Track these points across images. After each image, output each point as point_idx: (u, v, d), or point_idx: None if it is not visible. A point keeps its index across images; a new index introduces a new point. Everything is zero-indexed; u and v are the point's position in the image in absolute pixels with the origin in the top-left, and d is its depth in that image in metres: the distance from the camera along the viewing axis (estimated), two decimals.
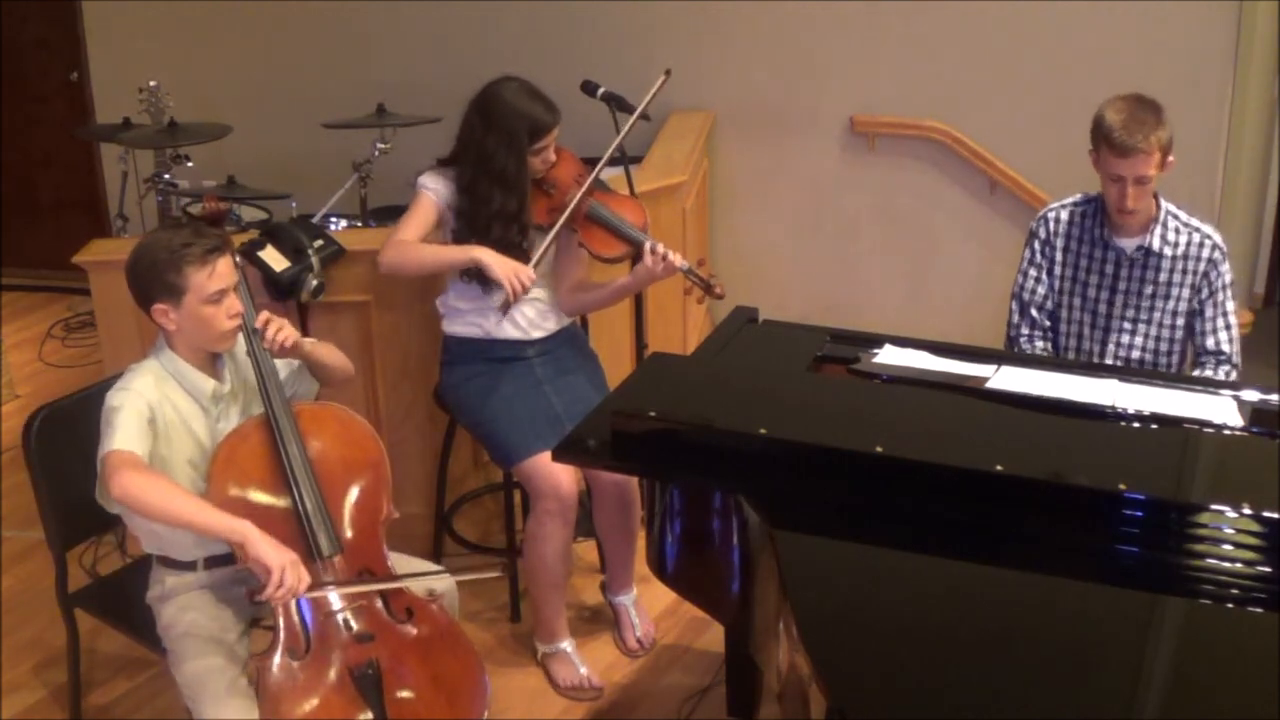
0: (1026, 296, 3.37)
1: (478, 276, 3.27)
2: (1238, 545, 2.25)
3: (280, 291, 3.51)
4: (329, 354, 2.95)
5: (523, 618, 3.65)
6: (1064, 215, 3.33)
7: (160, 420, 2.67)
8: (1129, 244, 3.24)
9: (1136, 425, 2.68)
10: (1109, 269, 3.28)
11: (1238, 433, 2.66)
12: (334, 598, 2.67)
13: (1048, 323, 3.37)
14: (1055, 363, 3.17)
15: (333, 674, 2.61)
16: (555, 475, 3.21)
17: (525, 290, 3.19)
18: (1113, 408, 2.73)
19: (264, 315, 2.78)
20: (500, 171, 3.25)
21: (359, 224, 4.57)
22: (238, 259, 2.78)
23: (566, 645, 3.43)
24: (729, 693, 3.13)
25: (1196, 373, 3.24)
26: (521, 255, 3.29)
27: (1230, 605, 2.18)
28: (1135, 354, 3.29)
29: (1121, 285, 3.27)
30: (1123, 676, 1.99)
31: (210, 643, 2.67)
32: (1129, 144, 3.04)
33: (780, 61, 4.97)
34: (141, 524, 2.74)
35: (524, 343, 3.43)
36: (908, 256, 5.02)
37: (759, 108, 5.04)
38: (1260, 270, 5.83)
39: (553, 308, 3.46)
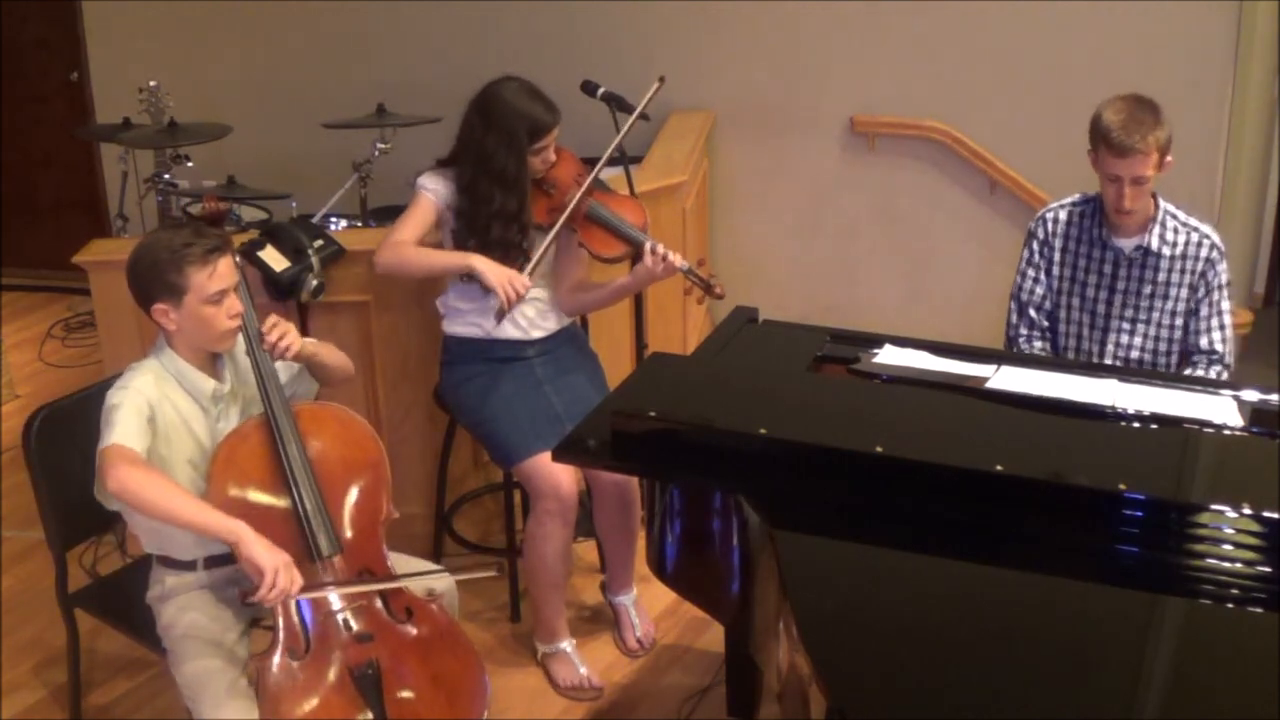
0: (1025, 297, 3.37)
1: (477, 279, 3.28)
2: (1238, 545, 2.25)
3: (280, 291, 3.51)
4: (330, 354, 2.95)
5: (523, 618, 3.65)
6: (1062, 215, 3.33)
7: (160, 420, 2.67)
8: (1127, 244, 3.24)
9: (1136, 425, 2.68)
10: (1107, 269, 3.28)
11: (1238, 433, 2.66)
12: (334, 598, 2.67)
13: (1046, 323, 3.37)
14: (1055, 363, 3.17)
15: (333, 674, 2.61)
16: (555, 475, 3.21)
17: (520, 298, 3.19)
18: (1113, 408, 2.73)
19: (271, 319, 2.78)
20: (500, 171, 3.25)
21: (359, 224, 4.57)
22: (238, 259, 2.78)
23: (566, 645, 3.43)
24: (729, 693, 3.13)
25: (1188, 371, 3.24)
26: (522, 255, 3.29)
27: (1230, 605, 2.18)
28: (1134, 354, 3.29)
29: (1120, 285, 3.27)
30: (1123, 676, 1.99)
31: (210, 643, 2.67)
32: (1127, 144, 3.04)
33: (780, 61, 4.97)
34: (143, 522, 2.74)
35: (524, 343, 3.43)
36: (907, 256, 5.02)
37: (759, 108, 5.03)
38: (1260, 270, 5.83)
39: (553, 307, 3.46)
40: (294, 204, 4.55)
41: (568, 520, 3.27)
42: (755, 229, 5.18)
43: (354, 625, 2.66)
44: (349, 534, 2.76)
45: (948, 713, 1.94)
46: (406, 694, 2.64)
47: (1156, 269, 3.24)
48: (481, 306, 3.34)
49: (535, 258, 3.26)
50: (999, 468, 2.37)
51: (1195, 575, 2.24)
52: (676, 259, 3.23)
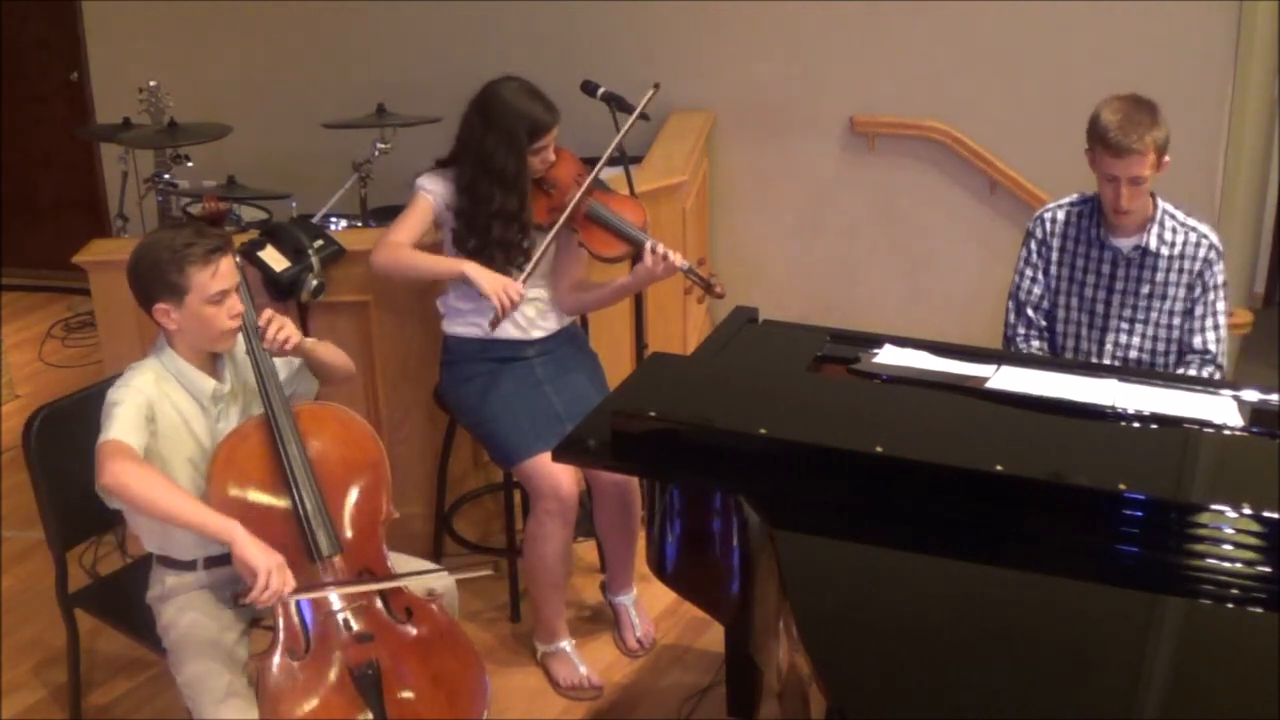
0: (1023, 296, 3.37)
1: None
2: (1238, 545, 2.25)
3: (280, 291, 3.51)
4: (329, 352, 2.95)
5: (523, 618, 3.65)
6: (1060, 215, 3.33)
7: (160, 419, 2.67)
8: (1126, 244, 3.25)
9: (1136, 425, 2.68)
10: (1106, 269, 3.28)
11: (1238, 433, 2.66)
12: (334, 598, 2.67)
13: (1044, 323, 3.37)
14: (1055, 363, 3.17)
15: (333, 674, 2.61)
16: (555, 475, 3.21)
17: (514, 305, 3.19)
18: (1112, 408, 2.73)
19: (267, 314, 2.78)
20: (500, 171, 3.25)
21: (359, 224, 4.57)
22: (238, 259, 2.78)
23: (566, 645, 3.43)
24: (729, 692, 3.13)
25: (1180, 371, 3.24)
26: (522, 254, 3.29)
27: (1230, 605, 2.18)
28: (1133, 353, 3.30)
29: (1118, 285, 3.28)
30: (1123, 676, 1.99)
31: (210, 643, 2.67)
32: (1124, 144, 3.04)
33: (780, 62, 4.97)
34: (144, 522, 2.74)
35: (524, 342, 3.43)
36: (907, 256, 5.02)
37: (759, 108, 5.03)
38: (1260, 270, 5.83)
39: (552, 307, 3.46)
40: (294, 204, 4.55)
41: (568, 520, 3.27)
42: (755, 229, 5.18)
43: (354, 625, 2.66)
44: (349, 534, 2.76)
45: (948, 713, 1.94)
46: (406, 694, 2.64)
47: (1155, 269, 3.24)
48: (481, 306, 3.34)
49: (534, 259, 3.26)
50: (999, 468, 2.37)
51: (1195, 575, 2.24)
52: (677, 258, 3.23)
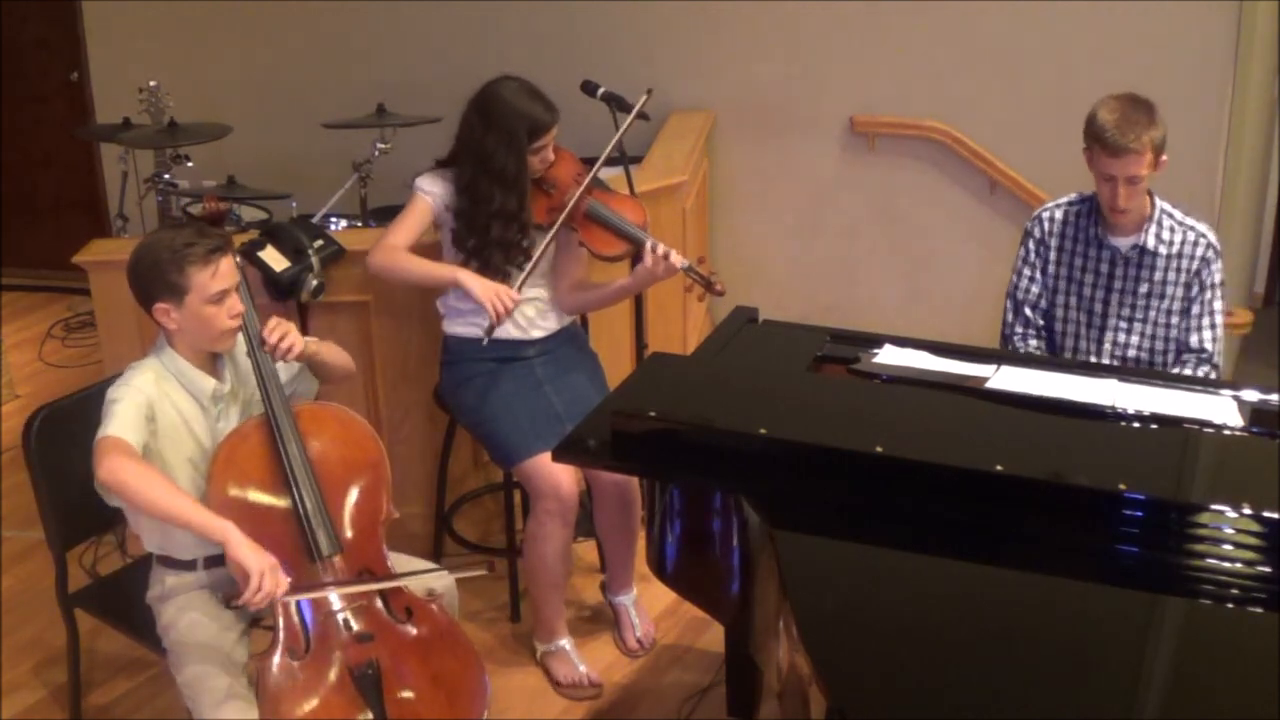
0: (1021, 295, 3.37)
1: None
2: (1238, 545, 2.25)
3: (280, 291, 3.51)
4: (330, 352, 2.95)
5: (523, 618, 3.65)
6: (1058, 214, 3.33)
7: (160, 419, 2.67)
8: (1124, 243, 3.25)
9: (1136, 425, 2.68)
10: (1104, 268, 3.28)
11: (1238, 433, 2.66)
12: (334, 598, 2.67)
13: (1041, 322, 3.37)
14: (1055, 363, 3.17)
15: (333, 674, 2.61)
16: (555, 475, 3.21)
17: (508, 312, 3.20)
18: (1112, 408, 2.73)
19: (272, 322, 2.78)
20: (500, 171, 3.25)
21: (359, 224, 4.57)
22: (238, 259, 2.78)
23: (565, 643, 3.43)
24: (729, 692, 3.13)
25: (1176, 369, 3.24)
26: (522, 254, 3.29)
27: (1230, 605, 2.18)
28: (1131, 352, 3.30)
29: (1117, 284, 3.28)
30: (1123, 676, 1.99)
31: (210, 643, 2.67)
32: (1121, 143, 3.04)
33: (780, 61, 4.97)
34: (145, 521, 2.74)
35: (524, 342, 3.43)
36: (907, 256, 5.02)
37: (759, 108, 5.03)
38: (1260, 270, 5.83)
39: (552, 307, 3.46)
40: (294, 204, 4.55)
41: (568, 520, 3.27)
42: (755, 229, 5.18)
43: (354, 625, 2.66)
44: (349, 534, 2.76)
45: (948, 713, 1.94)
46: (406, 694, 2.64)
47: (1153, 268, 3.24)
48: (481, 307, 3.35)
49: (532, 261, 3.26)
50: (999, 468, 2.37)
51: (1195, 575, 2.24)
52: (677, 258, 3.23)
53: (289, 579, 2.55)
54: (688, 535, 2.79)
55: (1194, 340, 3.25)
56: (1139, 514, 2.30)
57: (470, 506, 4.21)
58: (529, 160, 3.28)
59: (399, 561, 2.85)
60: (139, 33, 5.79)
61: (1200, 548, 2.27)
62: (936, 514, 2.39)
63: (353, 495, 2.80)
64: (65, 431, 2.87)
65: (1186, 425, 2.66)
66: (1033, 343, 3.36)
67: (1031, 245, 3.36)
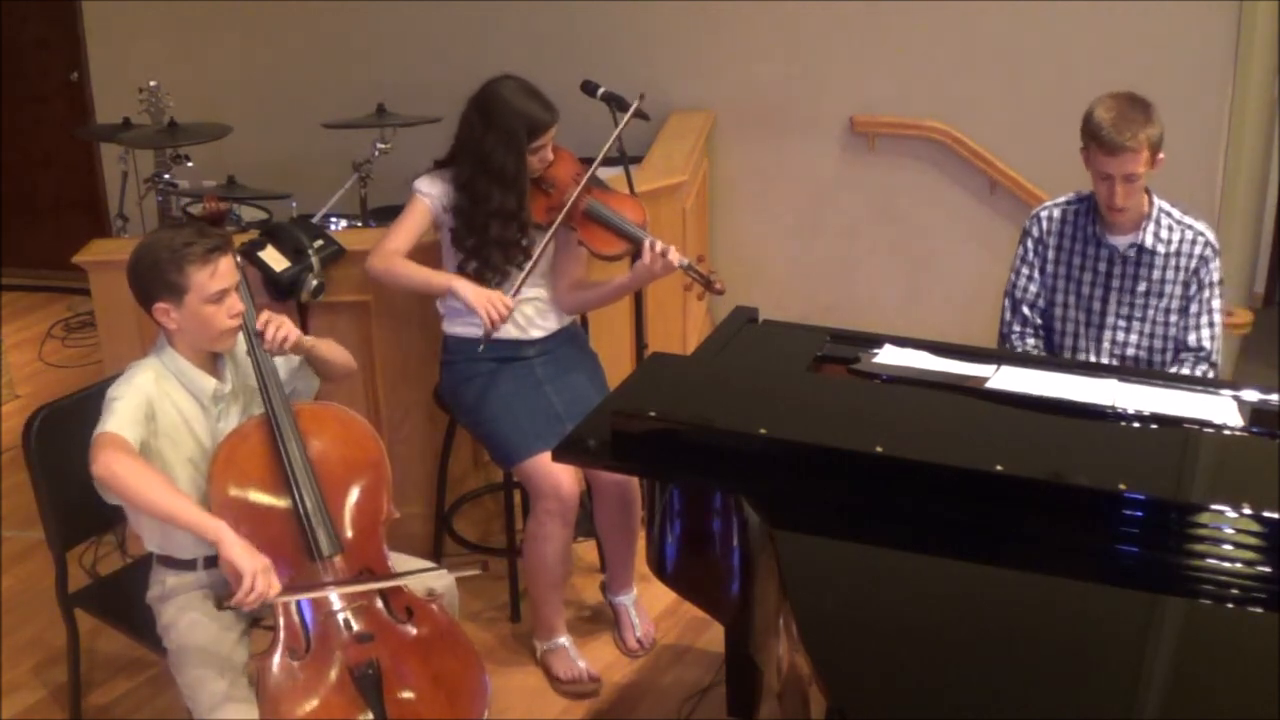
0: (1019, 294, 3.38)
1: (473, 275, 3.28)
2: (1238, 545, 2.25)
3: (280, 291, 3.51)
4: (330, 349, 2.95)
5: (523, 618, 3.65)
6: (1057, 214, 3.34)
7: (160, 419, 2.68)
8: (1122, 241, 3.25)
9: (1136, 425, 2.68)
10: (1102, 266, 3.28)
11: (1238, 433, 2.66)
12: (334, 598, 2.67)
13: (1039, 320, 3.37)
14: (1055, 363, 3.17)
15: (333, 674, 2.61)
16: (555, 475, 3.21)
17: (503, 319, 3.20)
18: (1112, 408, 2.73)
19: (264, 315, 2.78)
20: (499, 170, 3.25)
21: (359, 224, 4.57)
22: (238, 259, 2.78)
23: (564, 640, 3.43)
24: (729, 692, 3.13)
25: (1174, 368, 3.24)
26: (521, 253, 3.30)
27: (1230, 605, 2.18)
28: (1130, 351, 3.30)
29: (1115, 283, 3.28)
30: (1123, 676, 1.99)
31: (210, 644, 2.66)
32: (1117, 142, 3.04)
33: (780, 61, 4.97)
34: (146, 520, 2.73)
35: (524, 342, 3.43)
36: (907, 256, 5.02)
37: (759, 108, 5.03)
38: (1260, 270, 5.83)
39: (552, 306, 3.46)
40: (294, 204, 4.55)
41: (568, 520, 3.27)
42: (755, 229, 5.18)
43: (354, 625, 2.66)
44: (349, 534, 2.76)
45: (948, 713, 1.94)
46: (407, 694, 2.64)
47: (1151, 266, 3.24)
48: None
49: (532, 260, 3.26)
50: (999, 468, 2.37)
51: (1195, 575, 2.24)
52: (675, 256, 3.23)
53: (280, 582, 2.54)
54: (688, 535, 2.79)
55: (1192, 339, 3.25)
56: (1139, 514, 2.30)
57: (470, 506, 4.21)
58: (528, 159, 3.28)
59: (399, 561, 2.85)
60: (139, 33, 5.79)
61: (1200, 548, 2.27)
62: (936, 514, 2.38)
63: (353, 495, 2.80)
64: (65, 431, 2.87)
65: (1186, 425, 2.66)
66: (1030, 341, 3.36)
67: (1030, 244, 3.36)
